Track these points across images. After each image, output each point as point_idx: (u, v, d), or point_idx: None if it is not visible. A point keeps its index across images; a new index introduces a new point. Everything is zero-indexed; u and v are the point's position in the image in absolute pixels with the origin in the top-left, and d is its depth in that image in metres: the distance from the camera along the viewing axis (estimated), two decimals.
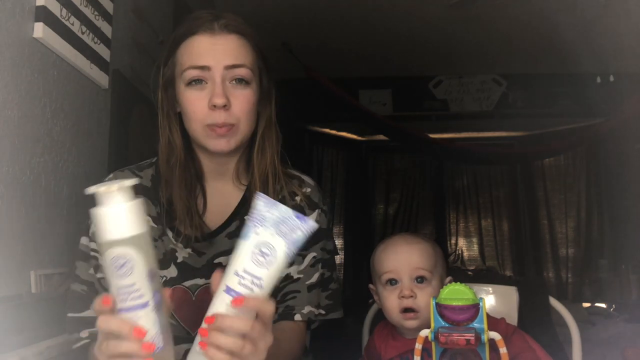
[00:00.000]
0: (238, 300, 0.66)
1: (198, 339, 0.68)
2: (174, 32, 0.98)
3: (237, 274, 0.66)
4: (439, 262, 1.08)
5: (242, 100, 0.93)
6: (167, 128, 0.97)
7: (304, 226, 0.69)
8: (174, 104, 0.98)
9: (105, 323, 0.63)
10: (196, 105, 0.92)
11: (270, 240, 0.67)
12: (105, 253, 0.62)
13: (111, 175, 1.01)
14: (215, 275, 0.70)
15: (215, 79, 0.91)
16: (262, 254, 0.67)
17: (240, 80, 0.93)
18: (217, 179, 1.01)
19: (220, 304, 0.67)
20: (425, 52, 3.61)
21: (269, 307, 0.67)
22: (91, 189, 0.62)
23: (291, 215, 0.68)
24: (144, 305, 0.62)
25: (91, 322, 0.92)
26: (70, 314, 0.94)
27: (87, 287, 0.96)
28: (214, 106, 0.90)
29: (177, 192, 0.96)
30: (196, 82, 0.92)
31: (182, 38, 0.95)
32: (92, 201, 1.01)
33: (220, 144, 0.93)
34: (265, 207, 0.68)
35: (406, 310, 1.02)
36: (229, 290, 0.66)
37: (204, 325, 0.67)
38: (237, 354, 0.65)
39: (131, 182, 0.63)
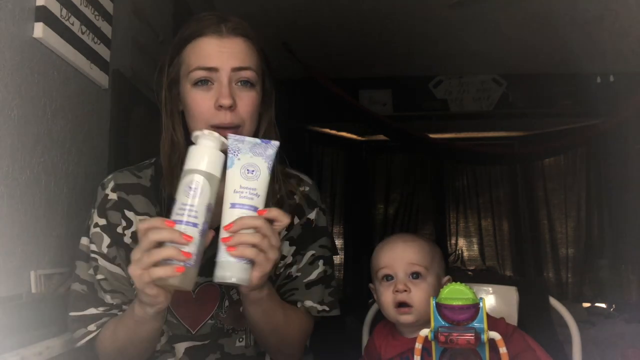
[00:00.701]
0: (262, 211, 0.79)
1: (222, 248, 0.78)
2: (180, 33, 0.99)
3: (236, 192, 0.79)
4: (436, 260, 1.09)
5: (247, 102, 0.95)
6: (170, 126, 0.98)
7: (271, 145, 0.83)
8: (178, 103, 0.99)
9: (156, 233, 0.74)
10: (202, 105, 0.93)
11: (251, 160, 0.81)
12: (185, 177, 0.78)
13: (110, 176, 1.02)
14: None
15: (222, 81, 0.93)
16: (249, 171, 0.81)
17: (246, 82, 0.95)
18: None
19: (229, 220, 0.78)
20: (425, 52, 3.61)
21: (285, 218, 0.80)
22: (197, 132, 0.80)
23: (258, 141, 0.83)
24: (195, 225, 0.76)
25: (93, 319, 0.94)
26: (72, 313, 0.95)
27: (87, 287, 0.97)
28: (221, 107, 0.92)
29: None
30: (202, 82, 0.94)
31: (189, 39, 0.96)
32: (91, 202, 1.02)
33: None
34: (236, 142, 0.82)
35: (400, 305, 1.03)
36: (233, 205, 0.79)
37: (224, 234, 0.77)
38: (259, 246, 0.76)
39: (224, 140, 0.80)
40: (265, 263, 0.78)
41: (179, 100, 0.98)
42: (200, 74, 0.93)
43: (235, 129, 0.93)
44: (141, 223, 0.76)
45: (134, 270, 0.75)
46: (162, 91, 0.99)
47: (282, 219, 0.80)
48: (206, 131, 0.80)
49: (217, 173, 0.79)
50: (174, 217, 0.77)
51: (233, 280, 0.77)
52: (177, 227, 0.75)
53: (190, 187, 0.76)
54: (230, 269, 0.77)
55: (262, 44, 1.01)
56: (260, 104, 1.00)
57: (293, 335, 0.99)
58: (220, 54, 0.94)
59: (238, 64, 0.94)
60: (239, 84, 0.95)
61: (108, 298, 0.96)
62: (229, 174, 0.80)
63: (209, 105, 0.93)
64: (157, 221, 0.76)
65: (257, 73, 0.97)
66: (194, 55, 0.95)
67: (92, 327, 0.94)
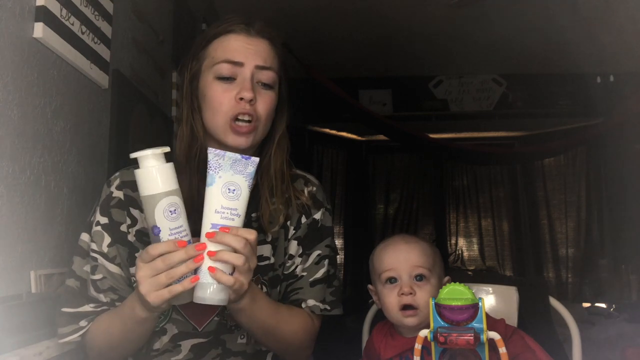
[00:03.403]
0: (225, 229, 0.79)
1: (206, 262, 0.79)
2: (206, 31, 1.04)
3: (217, 212, 0.80)
4: (437, 262, 1.09)
5: (267, 100, 0.99)
6: (191, 118, 1.01)
7: (252, 162, 0.83)
8: (197, 97, 1.01)
9: (173, 256, 0.77)
10: (223, 97, 0.96)
11: (232, 179, 0.81)
12: (160, 202, 0.78)
13: (117, 174, 1.04)
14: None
15: (245, 76, 0.97)
16: (230, 190, 0.80)
17: (265, 85, 0.99)
18: None
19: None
20: (425, 52, 3.61)
21: (253, 234, 0.80)
22: (136, 154, 0.79)
23: (239, 157, 0.82)
24: (189, 241, 0.80)
25: (85, 315, 0.94)
26: (64, 309, 0.96)
27: (81, 284, 0.98)
28: (241, 99, 0.95)
29: (193, 182, 0.98)
30: (225, 79, 0.97)
31: (216, 35, 1.00)
32: (92, 201, 1.02)
33: (239, 140, 0.97)
34: (217, 158, 0.81)
35: (405, 307, 1.03)
36: (214, 226, 0.79)
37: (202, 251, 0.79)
38: (238, 267, 0.79)
39: (164, 149, 0.80)
40: (240, 287, 0.80)
41: (198, 93, 1.01)
42: (225, 66, 0.97)
43: (252, 126, 0.96)
44: (151, 248, 0.78)
45: (151, 292, 0.78)
46: (183, 85, 1.02)
47: (249, 236, 0.80)
48: (148, 151, 0.80)
49: (177, 186, 0.81)
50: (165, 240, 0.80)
51: (211, 303, 0.80)
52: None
53: (173, 210, 0.79)
54: (207, 291, 0.79)
55: (284, 51, 1.05)
56: (276, 109, 1.03)
57: (290, 336, 0.99)
58: (246, 51, 0.97)
59: (262, 63, 0.98)
60: (260, 84, 0.99)
61: (102, 297, 0.97)
62: (209, 191, 0.81)
63: (230, 97, 0.96)
64: (168, 245, 0.78)
65: (277, 75, 1.01)
66: (221, 49, 0.98)
67: (83, 322, 0.95)
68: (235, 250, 0.78)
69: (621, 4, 2.68)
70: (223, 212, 0.80)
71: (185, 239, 0.80)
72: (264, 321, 0.93)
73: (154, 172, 0.79)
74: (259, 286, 1.00)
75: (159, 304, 0.79)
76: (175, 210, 0.79)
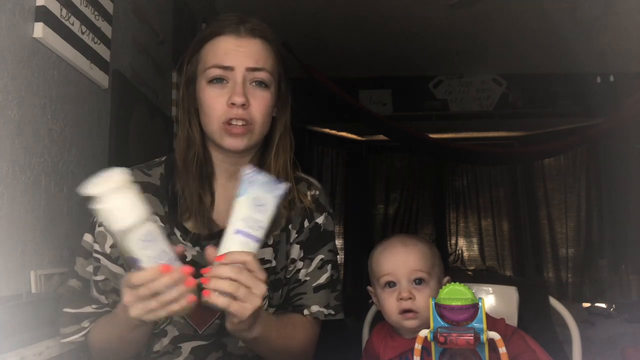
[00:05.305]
0: (220, 257, 0.78)
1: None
2: (201, 32, 1.02)
3: (243, 219, 0.81)
4: (437, 263, 1.08)
5: (260, 101, 0.97)
6: (187, 123, 1.00)
7: (282, 186, 0.85)
8: (194, 100, 1.00)
9: (157, 284, 0.74)
10: (216, 102, 0.95)
11: (263, 195, 0.83)
12: (130, 234, 0.73)
13: None
14: (210, 249, 0.81)
15: (236, 79, 0.95)
16: (259, 204, 0.82)
17: (260, 83, 0.97)
18: (229, 178, 1.03)
19: (232, 244, 0.80)
20: (425, 52, 3.61)
21: (249, 256, 0.78)
22: (93, 191, 0.73)
23: (270, 179, 0.85)
24: (171, 260, 0.77)
25: (87, 316, 0.94)
26: (66, 309, 0.96)
27: (83, 284, 0.97)
28: (233, 104, 0.94)
29: (192, 185, 0.98)
30: (217, 80, 0.96)
31: (208, 38, 0.99)
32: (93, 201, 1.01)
33: (235, 142, 0.96)
34: (252, 173, 0.84)
35: (405, 311, 1.03)
36: (238, 231, 0.80)
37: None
38: (235, 294, 0.76)
39: (124, 175, 0.75)
40: (241, 311, 0.77)
41: (195, 97, 1.00)
42: (215, 71, 0.95)
43: (246, 128, 0.95)
44: (133, 277, 0.75)
45: (144, 315, 0.76)
46: (179, 89, 1.01)
47: (245, 259, 0.79)
48: (102, 185, 0.73)
49: (146, 210, 0.76)
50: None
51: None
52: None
53: (149, 239, 0.74)
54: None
55: (281, 48, 1.03)
56: (275, 107, 1.01)
57: (297, 349, 0.99)
58: (236, 53, 0.95)
59: (253, 64, 0.96)
60: (254, 84, 0.97)
61: (103, 299, 0.96)
62: (239, 201, 0.82)
63: (222, 102, 0.94)
64: (151, 273, 0.75)
65: (272, 75, 0.98)
66: (211, 53, 0.97)
67: (85, 323, 0.95)
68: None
69: (621, 4, 2.68)
70: (248, 221, 0.81)
71: (169, 261, 0.76)
72: (275, 342, 0.93)
73: (116, 206, 0.73)
74: None
75: (153, 319, 0.78)
76: (150, 238, 0.74)
